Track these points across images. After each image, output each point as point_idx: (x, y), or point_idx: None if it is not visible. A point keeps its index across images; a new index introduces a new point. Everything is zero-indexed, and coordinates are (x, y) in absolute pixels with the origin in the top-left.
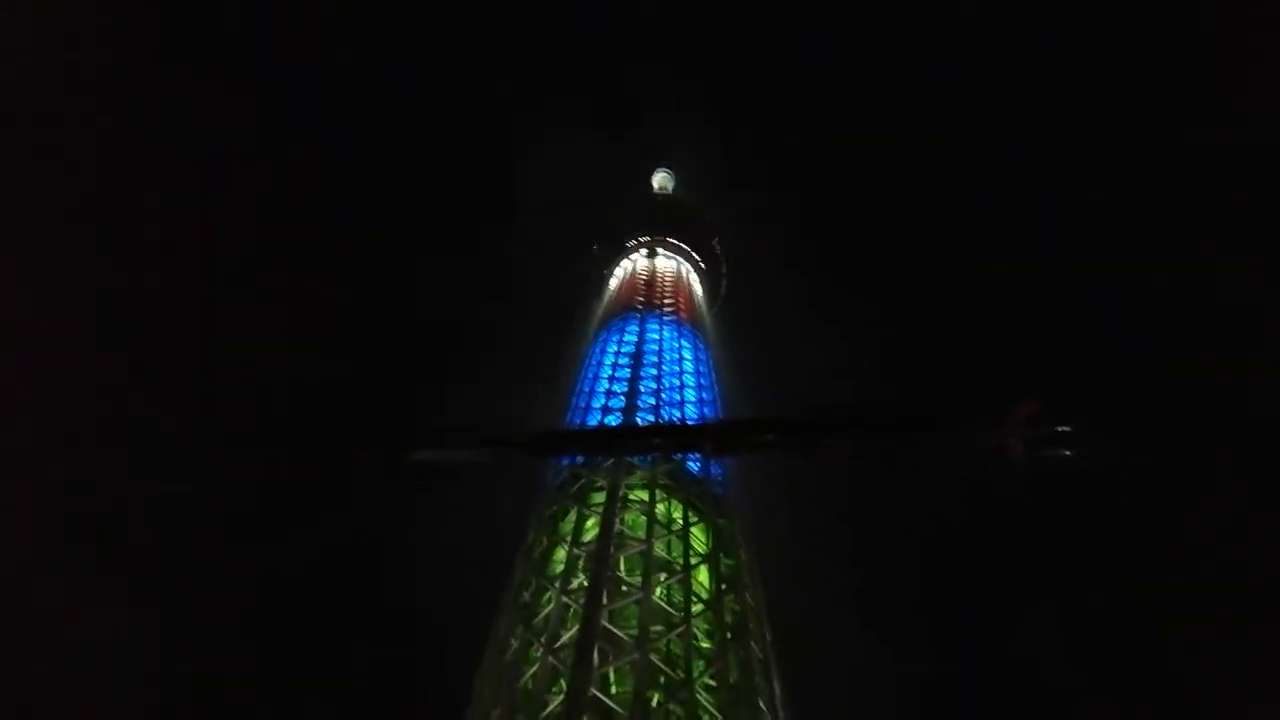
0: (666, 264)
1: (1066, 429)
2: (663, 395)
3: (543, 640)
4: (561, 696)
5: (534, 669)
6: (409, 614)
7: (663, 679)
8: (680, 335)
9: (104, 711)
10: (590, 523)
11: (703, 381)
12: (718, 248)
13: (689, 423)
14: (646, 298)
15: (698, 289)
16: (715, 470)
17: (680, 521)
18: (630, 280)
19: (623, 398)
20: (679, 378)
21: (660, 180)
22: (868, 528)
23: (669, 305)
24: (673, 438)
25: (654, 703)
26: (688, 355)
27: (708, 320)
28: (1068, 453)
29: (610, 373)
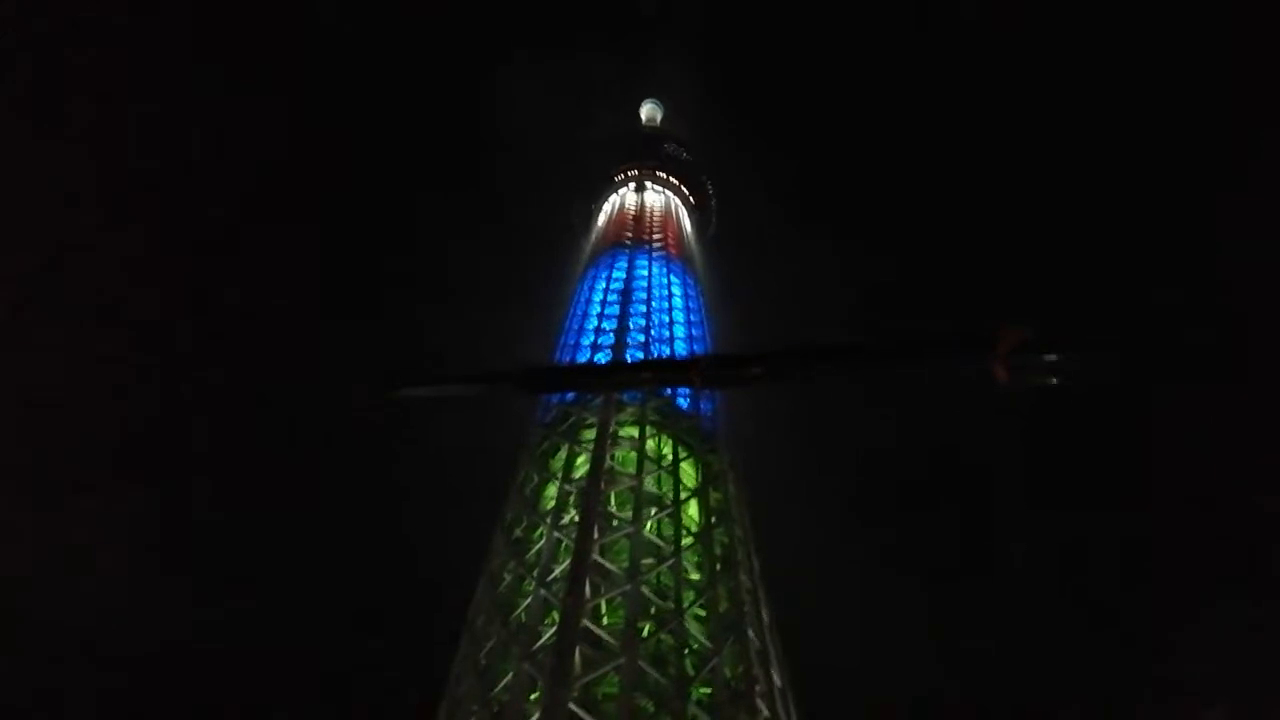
0: (655, 198)
1: (1053, 357)
2: (652, 331)
3: (535, 574)
4: (554, 628)
5: (527, 601)
6: (403, 550)
7: (653, 610)
8: (669, 270)
9: (103, 702)
10: (581, 459)
11: (692, 317)
12: (706, 181)
13: (678, 357)
14: (635, 233)
15: (687, 223)
16: (705, 406)
17: (670, 457)
18: (619, 215)
19: (612, 334)
20: (668, 314)
21: (649, 111)
22: (861, 462)
23: (658, 240)
24: (662, 372)
25: (645, 633)
26: (677, 291)
27: (697, 255)
28: (1054, 381)
29: (599, 309)
